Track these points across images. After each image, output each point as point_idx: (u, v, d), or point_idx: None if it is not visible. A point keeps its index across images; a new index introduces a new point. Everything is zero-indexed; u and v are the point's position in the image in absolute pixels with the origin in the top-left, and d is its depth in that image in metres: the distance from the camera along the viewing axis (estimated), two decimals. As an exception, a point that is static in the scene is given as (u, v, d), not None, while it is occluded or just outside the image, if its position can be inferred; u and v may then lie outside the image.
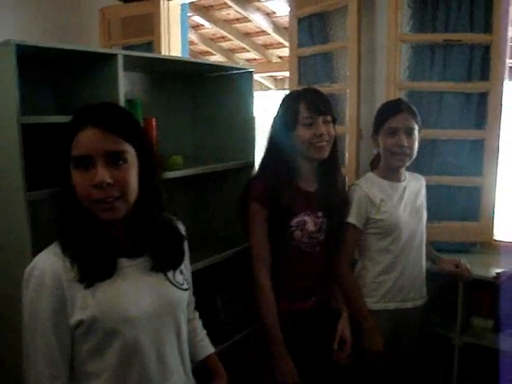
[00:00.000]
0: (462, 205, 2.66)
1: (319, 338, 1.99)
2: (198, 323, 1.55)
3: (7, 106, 1.38)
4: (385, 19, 2.66)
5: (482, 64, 2.55)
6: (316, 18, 2.96)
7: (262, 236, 1.86)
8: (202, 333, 1.54)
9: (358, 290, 2.09)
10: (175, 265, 1.31)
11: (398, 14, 2.55)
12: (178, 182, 1.87)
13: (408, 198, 2.12)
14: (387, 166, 2.10)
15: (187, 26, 4.24)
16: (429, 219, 2.25)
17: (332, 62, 2.93)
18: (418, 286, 2.16)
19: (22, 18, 3.73)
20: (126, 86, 1.96)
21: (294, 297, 1.92)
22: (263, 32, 6.82)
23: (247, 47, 7.32)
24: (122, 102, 1.53)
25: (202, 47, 7.80)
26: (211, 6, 6.35)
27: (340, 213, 1.97)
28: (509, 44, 2.55)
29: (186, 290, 1.32)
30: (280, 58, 7.50)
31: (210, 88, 2.23)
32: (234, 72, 2.13)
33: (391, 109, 2.08)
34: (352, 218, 2.04)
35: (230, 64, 2.22)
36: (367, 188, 2.07)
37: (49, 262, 1.14)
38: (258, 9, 6.26)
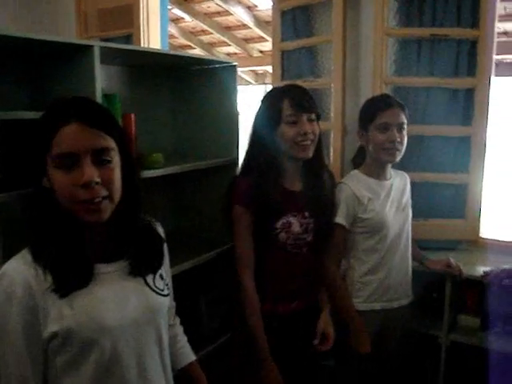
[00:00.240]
0: (448, 202, 2.63)
1: (306, 339, 1.93)
2: (179, 329, 1.48)
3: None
4: (371, 12, 2.61)
5: (469, 59, 2.52)
6: (300, 11, 2.89)
7: (246, 238, 1.81)
8: (182, 339, 1.47)
9: (345, 291, 2.05)
10: (154, 268, 1.24)
11: (384, 8, 2.50)
12: (159, 180, 1.79)
13: (394, 196, 2.09)
14: (375, 163, 2.05)
15: (167, 19, 4.13)
16: (414, 217, 2.22)
17: (316, 56, 2.87)
18: (404, 286, 2.14)
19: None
20: (103, 80, 1.89)
21: (279, 298, 1.86)
22: (244, 26, 6.74)
23: (228, 41, 7.24)
24: (98, 97, 1.44)
25: (182, 41, 7.69)
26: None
27: (327, 212, 1.91)
28: (495, 40, 2.52)
29: (166, 295, 1.25)
30: (261, 52, 7.43)
31: (191, 83, 2.15)
32: (217, 66, 2.05)
33: (381, 104, 2.03)
34: (340, 218, 1.99)
35: (212, 57, 2.13)
36: (354, 187, 2.02)
37: (19, 271, 1.05)
38: (240, 2, 6.19)
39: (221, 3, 6.07)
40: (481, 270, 2.33)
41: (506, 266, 2.29)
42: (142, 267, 1.20)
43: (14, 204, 1.27)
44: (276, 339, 1.84)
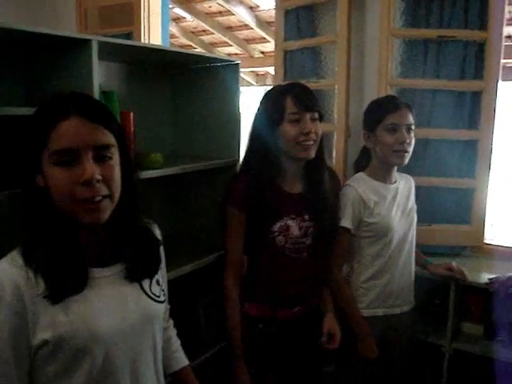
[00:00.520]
0: (453, 207, 2.58)
1: (307, 344, 1.89)
2: (173, 332, 1.43)
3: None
4: (376, 12, 2.56)
5: (476, 62, 2.47)
6: (303, 11, 2.84)
7: (235, 239, 1.77)
8: (176, 343, 1.42)
9: (350, 295, 2.00)
10: (151, 273, 1.19)
11: (390, 8, 2.45)
12: (158, 181, 1.73)
13: (400, 200, 2.04)
14: (382, 166, 2.01)
15: (168, 18, 4.09)
16: (419, 222, 2.17)
17: (320, 57, 2.81)
18: (407, 291, 2.10)
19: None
20: (101, 76, 1.84)
21: (279, 303, 1.81)
22: (246, 26, 6.68)
23: (229, 41, 7.17)
24: (96, 94, 1.38)
25: (183, 41, 7.64)
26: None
27: (328, 216, 1.85)
28: (503, 43, 2.47)
29: (162, 302, 1.20)
30: (262, 53, 7.37)
31: (193, 81, 2.09)
32: (219, 64, 1.99)
33: (389, 105, 1.99)
34: (346, 222, 1.94)
35: (214, 55, 2.08)
36: (360, 189, 1.97)
37: (8, 273, 0.99)
38: (241, 2, 6.13)
39: (222, 3, 6.02)
40: (485, 276, 2.29)
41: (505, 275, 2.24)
42: (139, 272, 1.15)
43: (6, 203, 1.21)
44: (276, 344, 1.80)
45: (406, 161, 1.97)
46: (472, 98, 2.49)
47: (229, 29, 6.99)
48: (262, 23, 6.42)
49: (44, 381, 1.03)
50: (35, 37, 1.33)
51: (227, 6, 6.09)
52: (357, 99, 2.69)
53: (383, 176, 2.02)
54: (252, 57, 7.41)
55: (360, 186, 1.98)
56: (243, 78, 8.15)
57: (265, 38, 6.70)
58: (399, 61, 2.55)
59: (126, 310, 1.10)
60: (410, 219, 2.07)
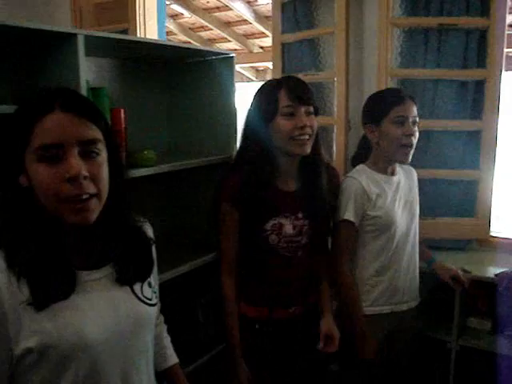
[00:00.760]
0: (458, 200, 2.52)
1: (305, 344, 1.83)
2: (163, 328, 1.38)
3: None
4: (375, 2, 2.49)
5: (479, 50, 2.41)
6: (301, 2, 2.78)
7: (230, 237, 1.71)
8: (166, 339, 1.37)
9: (357, 295, 1.94)
10: (143, 275, 1.13)
11: (389, -4, 2.39)
12: (153, 179, 1.68)
13: (402, 193, 1.99)
14: (384, 159, 1.94)
15: (164, 14, 4.03)
16: (422, 215, 2.13)
17: (318, 49, 2.75)
18: (412, 287, 2.05)
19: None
20: (92, 72, 1.79)
21: (275, 303, 1.76)
22: (244, 21, 6.63)
23: (228, 37, 7.13)
24: (83, 90, 1.33)
25: (182, 37, 7.59)
26: (190, -6, 6.17)
27: (325, 214, 1.79)
28: (506, 32, 2.41)
29: (154, 305, 1.14)
30: (261, 48, 7.32)
31: (188, 76, 2.03)
32: (214, 58, 1.93)
33: (395, 97, 1.92)
34: (349, 214, 1.87)
35: (208, 48, 2.02)
36: (364, 181, 1.91)
37: None
38: (239, -4, 6.08)
39: (220, -2, 5.98)
40: (492, 271, 2.25)
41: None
42: (130, 274, 1.09)
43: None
44: (273, 344, 1.76)
45: (409, 159, 1.91)
46: (475, 87, 2.43)
47: (227, 24, 6.94)
48: (261, 17, 6.36)
49: None
50: (19, 32, 1.27)
51: (224, 1, 6.04)
52: (357, 91, 2.63)
53: (385, 168, 1.96)
54: (251, 52, 7.36)
55: (363, 178, 1.92)
56: (243, 74, 8.09)
57: (264, 33, 6.64)
58: (399, 51, 2.49)
59: (116, 315, 1.04)
60: (412, 212, 2.02)
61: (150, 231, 1.22)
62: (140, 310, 1.09)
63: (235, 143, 1.92)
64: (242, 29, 7.01)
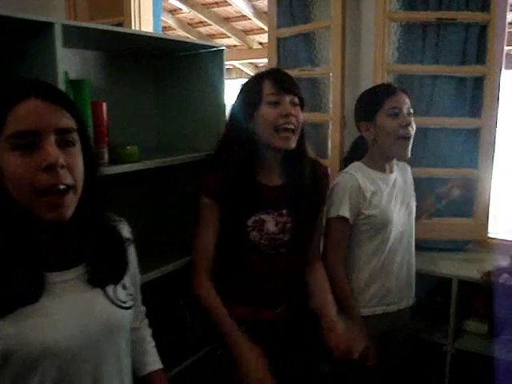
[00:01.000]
0: (456, 200, 2.44)
1: (296, 344, 1.77)
2: (146, 332, 1.32)
3: None
4: (372, -5, 2.43)
5: (478, 46, 2.35)
6: (296, -4, 2.71)
7: (210, 234, 1.62)
8: (149, 344, 1.31)
9: (349, 290, 1.88)
10: (116, 277, 1.07)
11: (386, -11, 2.32)
12: (138, 175, 1.61)
13: (398, 191, 1.93)
14: (381, 156, 1.88)
15: (160, 8, 3.97)
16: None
17: (314, 44, 2.69)
18: (407, 287, 2.00)
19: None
20: (77, 64, 1.73)
21: (261, 303, 1.69)
22: (243, 17, 6.56)
23: (227, 33, 7.05)
24: (61, 83, 1.27)
25: (181, 32, 7.51)
26: (188, -11, 6.10)
27: (310, 211, 1.72)
28: (507, 28, 2.34)
29: (129, 308, 1.08)
30: (261, 44, 7.24)
31: (177, 70, 1.96)
32: (203, 51, 1.87)
33: (386, 90, 1.88)
34: (345, 211, 1.81)
35: (196, 41, 1.95)
36: (360, 177, 1.85)
37: None
38: (238, -9, 6.00)
39: (219, -7, 5.91)
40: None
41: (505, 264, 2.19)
42: (103, 276, 1.04)
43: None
44: (260, 346, 1.68)
45: (409, 153, 1.84)
46: (474, 83, 2.37)
47: (226, 20, 6.87)
48: (260, 13, 6.28)
49: None
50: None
51: (224, -4, 5.98)
52: (353, 87, 2.56)
53: (382, 166, 1.90)
54: (251, 48, 7.29)
55: (358, 174, 1.86)
56: (242, 70, 8.03)
57: (263, 29, 6.56)
58: (396, 46, 2.43)
59: (86, 319, 0.98)
60: (409, 210, 1.96)
61: (125, 231, 1.17)
62: (112, 313, 1.04)
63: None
64: (241, 24, 6.93)
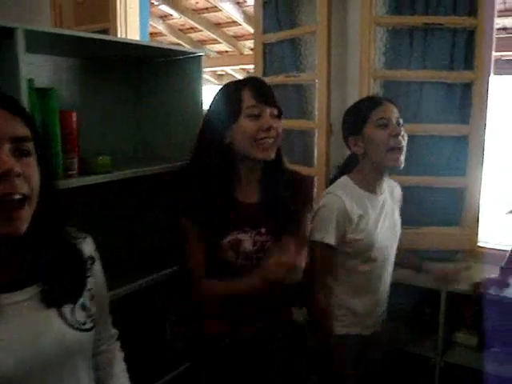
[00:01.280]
0: (444, 208, 2.40)
1: (278, 362, 1.69)
2: (116, 355, 1.24)
3: None
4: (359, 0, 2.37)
5: (466, 51, 2.29)
6: (283, 1, 2.66)
7: (195, 253, 1.55)
8: (117, 368, 1.22)
9: (329, 311, 1.83)
10: (74, 297, 1.00)
11: (372, -7, 2.27)
12: (111, 186, 1.55)
13: (386, 214, 1.85)
14: (371, 174, 1.80)
15: (148, 14, 3.92)
16: (406, 225, 2.02)
17: (300, 49, 2.64)
18: (382, 311, 1.94)
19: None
20: (48, 72, 1.67)
21: (239, 320, 1.62)
22: (234, 22, 6.52)
23: (218, 38, 7.00)
24: (23, 91, 1.20)
25: (171, 38, 7.47)
26: (178, -6, 6.05)
27: (290, 228, 1.62)
28: (495, 34, 2.30)
29: (88, 330, 1.01)
30: (252, 49, 7.19)
31: (155, 77, 1.89)
32: (182, 57, 1.81)
33: (372, 101, 1.82)
34: (330, 238, 1.73)
35: (172, 47, 1.88)
36: (346, 199, 1.75)
37: None
38: (228, -3, 5.96)
39: (209, -2, 5.87)
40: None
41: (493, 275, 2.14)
42: (58, 295, 0.97)
43: None
44: (240, 364, 1.61)
45: (403, 163, 1.75)
46: (462, 90, 2.32)
47: (217, 25, 6.83)
48: (250, 19, 6.23)
49: None
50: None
51: (213, 2, 5.92)
52: (340, 94, 2.52)
53: (372, 185, 1.81)
54: (242, 54, 7.24)
55: (345, 195, 1.77)
56: (234, 76, 7.98)
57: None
58: (383, 51, 2.37)
59: (39, 344, 0.92)
60: (394, 233, 1.90)
61: (89, 247, 1.10)
62: (69, 335, 0.96)
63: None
64: (232, 30, 6.89)
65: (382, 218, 1.82)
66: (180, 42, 7.46)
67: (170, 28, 7.28)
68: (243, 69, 7.73)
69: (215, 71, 8.67)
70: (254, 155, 1.49)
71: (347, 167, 1.90)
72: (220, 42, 7.20)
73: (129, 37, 3.47)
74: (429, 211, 2.39)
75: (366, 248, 1.77)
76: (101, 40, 1.42)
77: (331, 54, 2.43)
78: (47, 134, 1.34)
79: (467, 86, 2.31)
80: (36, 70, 1.53)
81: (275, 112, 1.50)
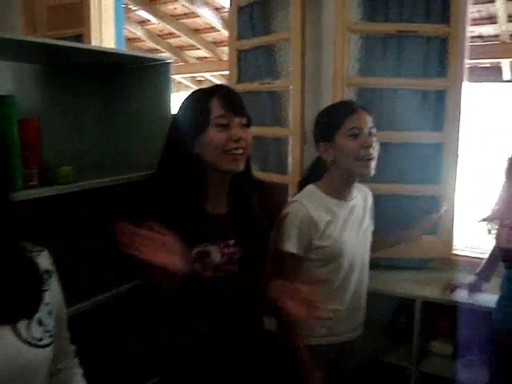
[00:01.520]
0: (418, 216, 2.37)
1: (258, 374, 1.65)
2: (75, 372, 1.18)
3: None
4: (332, 6, 2.35)
5: (440, 59, 2.29)
6: (257, 6, 2.65)
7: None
8: None
9: (295, 327, 1.76)
10: (29, 312, 0.95)
11: (346, 0, 2.25)
12: (75, 197, 1.49)
13: (355, 219, 1.81)
14: (340, 180, 1.76)
15: (123, 20, 3.86)
16: (380, 233, 1.98)
17: (274, 56, 2.61)
18: (358, 316, 1.89)
19: None
20: (9, 78, 1.61)
21: (208, 332, 1.57)
22: (212, 28, 6.49)
23: (197, 44, 6.96)
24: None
25: (150, 44, 7.42)
26: (156, 0, 6.00)
27: (260, 240, 1.61)
28: (467, 43, 2.30)
29: (46, 346, 0.96)
30: (230, 56, 7.18)
31: (122, 84, 1.84)
32: (150, 64, 1.76)
33: (346, 108, 1.76)
34: (290, 245, 1.69)
35: (140, 54, 1.83)
36: (311, 207, 1.71)
37: None
38: (207, 3, 5.92)
39: (187, 4, 5.81)
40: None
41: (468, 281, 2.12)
42: (12, 311, 0.92)
43: None
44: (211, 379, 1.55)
45: (373, 170, 1.71)
46: (436, 97, 2.32)
47: (196, 31, 6.79)
48: (229, 25, 6.23)
49: None
50: None
51: (192, 8, 5.89)
52: (314, 101, 2.49)
53: (340, 192, 1.78)
54: (221, 60, 7.20)
55: (310, 202, 1.73)
56: (213, 82, 7.95)
57: (232, 40, 6.51)
58: (357, 58, 2.36)
59: None
60: (364, 239, 1.85)
61: (45, 261, 1.05)
62: (24, 352, 0.92)
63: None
64: (210, 36, 6.86)
65: (350, 223, 1.78)
66: (158, 47, 7.41)
67: (149, 33, 7.23)
68: (222, 75, 7.70)
69: (194, 77, 8.63)
70: (223, 167, 1.44)
71: (314, 171, 1.86)
72: (199, 48, 7.16)
73: (104, 42, 3.42)
74: (404, 219, 2.36)
75: (334, 254, 1.73)
76: (65, 47, 1.37)
77: (305, 60, 2.41)
78: (5, 144, 1.29)
79: (441, 94, 2.30)
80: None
81: (244, 121, 1.45)
